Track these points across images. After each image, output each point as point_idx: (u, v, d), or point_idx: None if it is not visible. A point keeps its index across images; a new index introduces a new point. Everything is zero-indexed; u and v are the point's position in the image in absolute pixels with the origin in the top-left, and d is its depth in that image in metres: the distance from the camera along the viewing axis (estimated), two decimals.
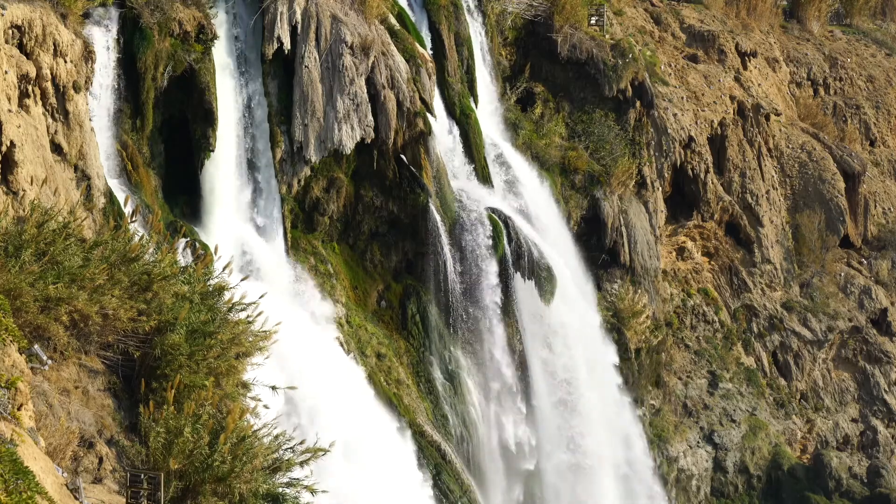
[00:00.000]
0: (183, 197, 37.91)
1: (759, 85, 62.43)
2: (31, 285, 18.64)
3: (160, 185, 37.21)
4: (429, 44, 45.72)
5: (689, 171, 56.18)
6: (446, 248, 42.43)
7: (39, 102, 30.47)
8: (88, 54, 33.46)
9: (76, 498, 16.01)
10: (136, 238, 21.52)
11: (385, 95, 40.92)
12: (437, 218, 42.19)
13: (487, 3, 50.38)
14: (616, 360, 49.10)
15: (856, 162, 63.02)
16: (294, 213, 40.45)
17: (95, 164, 32.38)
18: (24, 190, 27.76)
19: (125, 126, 35.91)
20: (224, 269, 22.57)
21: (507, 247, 43.68)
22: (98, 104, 34.76)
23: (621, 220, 50.95)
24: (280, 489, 19.22)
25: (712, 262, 58.32)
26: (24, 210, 25.35)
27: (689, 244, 57.42)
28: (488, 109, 49.32)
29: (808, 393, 58.49)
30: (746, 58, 62.85)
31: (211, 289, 21.90)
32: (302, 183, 40.44)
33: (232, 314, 21.54)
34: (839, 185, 61.84)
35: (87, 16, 34.77)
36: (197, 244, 34.46)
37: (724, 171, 58.33)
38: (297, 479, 19.48)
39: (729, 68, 61.12)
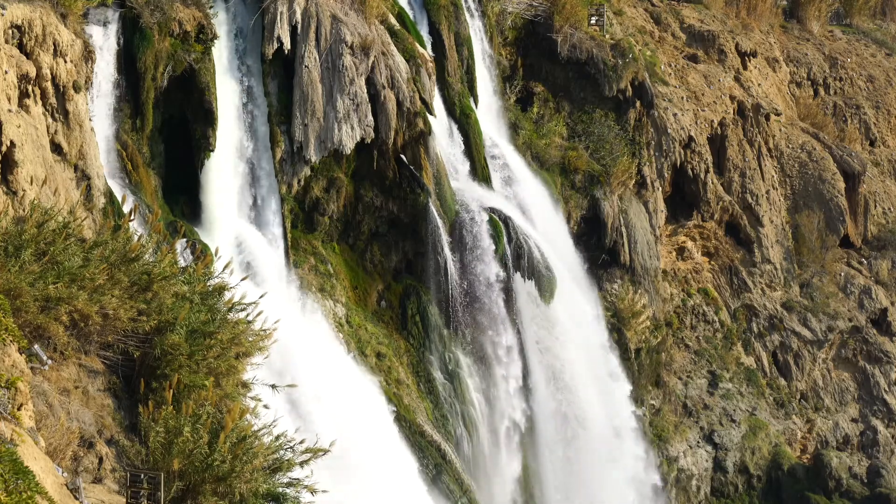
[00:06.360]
0: (183, 197, 37.89)
1: (759, 85, 62.41)
2: (31, 285, 18.63)
3: (160, 185, 37.18)
4: (429, 44, 45.69)
5: (689, 171, 56.15)
6: (446, 248, 42.40)
7: (39, 102, 30.44)
8: (88, 54, 33.42)
9: (76, 498, 16.01)
10: (136, 238, 21.52)
11: (385, 95, 40.91)
12: (437, 218, 42.17)
13: (487, 3, 50.35)
14: (617, 362, 49.04)
15: (856, 162, 63.01)
16: (294, 213, 40.43)
17: (95, 164, 32.35)
18: (24, 190, 27.74)
19: (125, 126, 35.87)
20: (224, 269, 22.58)
21: (507, 247, 43.66)
22: (98, 104, 34.72)
23: (621, 220, 50.93)
24: (280, 489, 19.21)
25: (712, 262, 58.30)
26: (24, 210, 25.33)
27: (689, 244, 57.40)
28: (488, 109, 49.28)
29: (808, 393, 58.47)
30: (746, 58, 62.82)
31: (211, 289, 21.91)
32: (302, 183, 40.42)
33: (232, 314, 21.55)
34: (839, 185, 61.82)
35: (87, 16, 34.72)
36: (197, 244, 34.43)
37: (724, 171, 58.30)
38: (298, 478, 19.47)
39: (729, 68, 61.09)
